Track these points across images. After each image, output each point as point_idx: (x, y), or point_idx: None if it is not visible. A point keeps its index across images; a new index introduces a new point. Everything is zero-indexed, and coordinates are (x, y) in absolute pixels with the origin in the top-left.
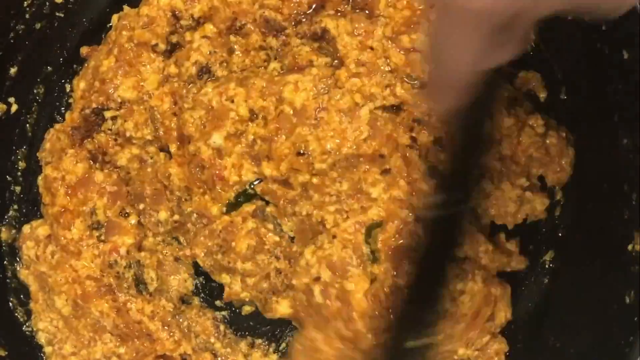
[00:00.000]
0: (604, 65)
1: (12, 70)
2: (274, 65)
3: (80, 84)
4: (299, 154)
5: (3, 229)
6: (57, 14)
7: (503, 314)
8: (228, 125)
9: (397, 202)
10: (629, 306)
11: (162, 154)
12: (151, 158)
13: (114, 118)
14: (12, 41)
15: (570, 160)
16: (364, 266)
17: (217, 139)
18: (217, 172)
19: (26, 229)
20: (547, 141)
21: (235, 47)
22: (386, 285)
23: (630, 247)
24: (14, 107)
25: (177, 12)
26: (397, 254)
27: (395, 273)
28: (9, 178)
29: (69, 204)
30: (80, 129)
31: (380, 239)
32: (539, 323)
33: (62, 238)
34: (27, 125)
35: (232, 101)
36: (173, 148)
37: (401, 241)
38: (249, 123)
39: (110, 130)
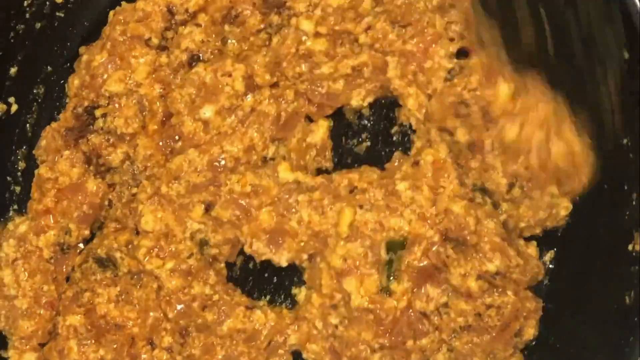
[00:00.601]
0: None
1: (12, 70)
2: (277, 39)
3: (74, 82)
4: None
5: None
6: (57, 14)
7: (532, 331)
8: (222, 100)
9: (420, 221)
10: (629, 306)
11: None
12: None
13: (104, 115)
14: (12, 41)
15: (589, 170)
16: (378, 269)
17: (207, 110)
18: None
19: (10, 225)
20: (574, 149)
21: (230, 36)
22: (400, 306)
23: (630, 247)
24: (14, 107)
25: (172, 7)
26: (421, 275)
27: (413, 293)
28: (9, 178)
29: (54, 207)
30: (74, 130)
31: (406, 262)
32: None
33: (29, 244)
34: (27, 125)
35: (230, 75)
36: (153, 126)
37: (426, 262)
38: (244, 98)
39: (102, 129)
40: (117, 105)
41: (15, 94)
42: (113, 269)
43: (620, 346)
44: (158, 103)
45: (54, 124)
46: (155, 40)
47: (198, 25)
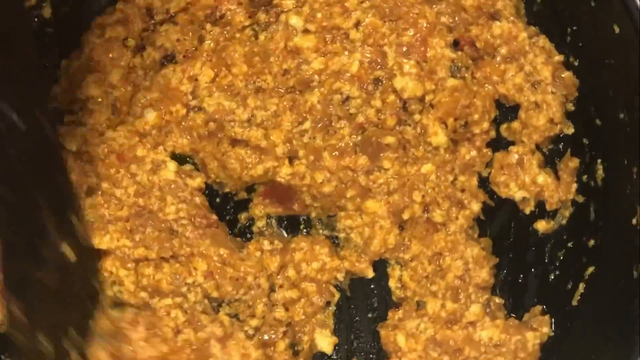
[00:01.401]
0: (604, 65)
1: None
2: (264, 35)
3: (57, 90)
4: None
5: None
6: (46, 29)
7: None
8: (176, 107)
9: None
10: (629, 306)
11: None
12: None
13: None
14: None
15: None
16: None
17: (149, 114)
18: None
19: None
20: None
21: (208, 36)
22: None
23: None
24: None
25: (152, 9)
26: None
27: None
28: None
29: None
30: None
31: None
32: None
33: None
34: None
35: (196, 79)
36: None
37: None
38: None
39: None
40: (88, 111)
41: None
42: None
43: (620, 346)
44: (126, 107)
45: None
46: (131, 41)
47: (175, 23)
